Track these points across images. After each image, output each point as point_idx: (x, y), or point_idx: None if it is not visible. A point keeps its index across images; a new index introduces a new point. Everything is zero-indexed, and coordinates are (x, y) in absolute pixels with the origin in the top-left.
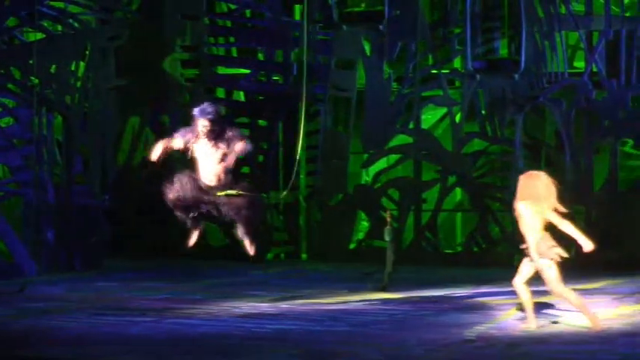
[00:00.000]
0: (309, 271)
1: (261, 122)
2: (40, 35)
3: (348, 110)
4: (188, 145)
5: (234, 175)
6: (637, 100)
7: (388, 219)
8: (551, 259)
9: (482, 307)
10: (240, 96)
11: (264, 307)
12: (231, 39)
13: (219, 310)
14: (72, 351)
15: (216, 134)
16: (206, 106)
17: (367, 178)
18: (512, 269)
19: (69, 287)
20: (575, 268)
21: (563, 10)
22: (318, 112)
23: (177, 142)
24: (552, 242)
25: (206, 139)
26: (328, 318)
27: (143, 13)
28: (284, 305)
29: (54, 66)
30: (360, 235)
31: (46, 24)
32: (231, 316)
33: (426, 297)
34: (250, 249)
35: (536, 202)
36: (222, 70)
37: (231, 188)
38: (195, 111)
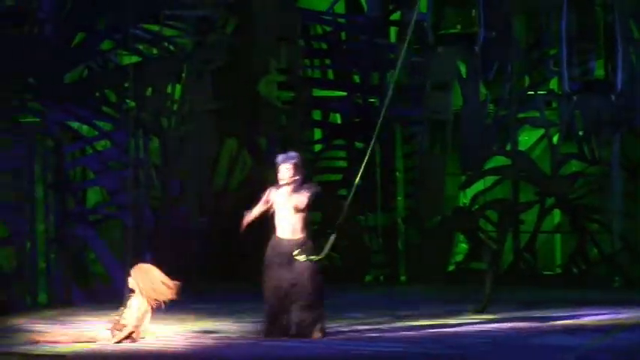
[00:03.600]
0: (408, 293)
1: (358, 144)
2: (135, 58)
3: (445, 132)
4: (270, 200)
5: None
6: None
7: (486, 241)
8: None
9: (583, 329)
10: (337, 118)
11: (363, 329)
12: (327, 61)
13: None
14: None
15: (297, 183)
16: (290, 152)
17: (465, 200)
18: (611, 291)
19: (165, 310)
20: None
21: None
22: (414, 135)
23: (263, 204)
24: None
25: (286, 187)
26: (428, 340)
27: (238, 36)
28: (383, 327)
29: (150, 89)
30: (459, 257)
31: (141, 47)
32: (330, 338)
33: (526, 319)
34: (316, 332)
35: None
36: (317, 93)
37: (307, 246)
38: (279, 158)
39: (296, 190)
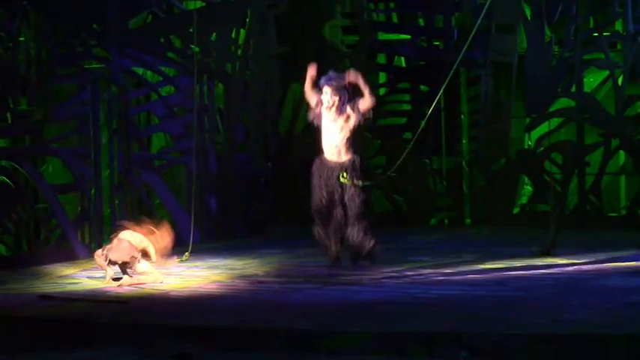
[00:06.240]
0: (472, 236)
1: (423, 88)
2: (199, 3)
3: (509, 75)
4: (316, 109)
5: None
6: None
7: (551, 183)
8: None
9: None
10: (401, 62)
11: (428, 272)
12: (392, 4)
13: (383, 276)
14: (232, 319)
15: (338, 104)
16: (331, 74)
17: (529, 143)
18: None
19: (231, 255)
20: None
21: None
22: (478, 77)
23: (313, 96)
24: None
25: (328, 108)
26: (493, 283)
27: None
28: (448, 270)
29: (214, 34)
30: (524, 200)
31: None
32: (395, 282)
33: (590, 260)
34: (367, 254)
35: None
36: (382, 36)
37: (353, 169)
38: (322, 80)
39: (339, 111)
